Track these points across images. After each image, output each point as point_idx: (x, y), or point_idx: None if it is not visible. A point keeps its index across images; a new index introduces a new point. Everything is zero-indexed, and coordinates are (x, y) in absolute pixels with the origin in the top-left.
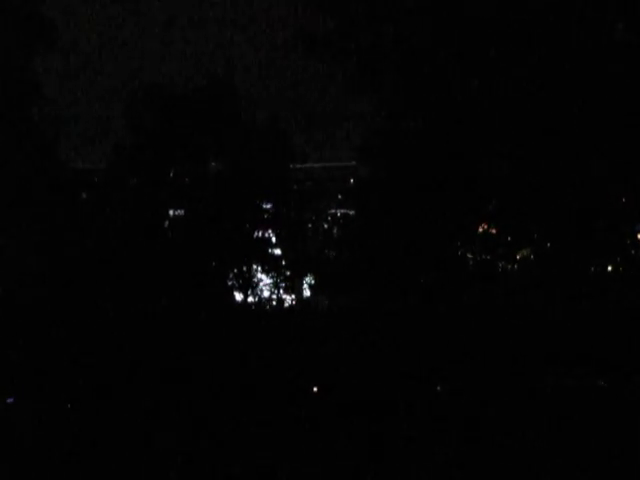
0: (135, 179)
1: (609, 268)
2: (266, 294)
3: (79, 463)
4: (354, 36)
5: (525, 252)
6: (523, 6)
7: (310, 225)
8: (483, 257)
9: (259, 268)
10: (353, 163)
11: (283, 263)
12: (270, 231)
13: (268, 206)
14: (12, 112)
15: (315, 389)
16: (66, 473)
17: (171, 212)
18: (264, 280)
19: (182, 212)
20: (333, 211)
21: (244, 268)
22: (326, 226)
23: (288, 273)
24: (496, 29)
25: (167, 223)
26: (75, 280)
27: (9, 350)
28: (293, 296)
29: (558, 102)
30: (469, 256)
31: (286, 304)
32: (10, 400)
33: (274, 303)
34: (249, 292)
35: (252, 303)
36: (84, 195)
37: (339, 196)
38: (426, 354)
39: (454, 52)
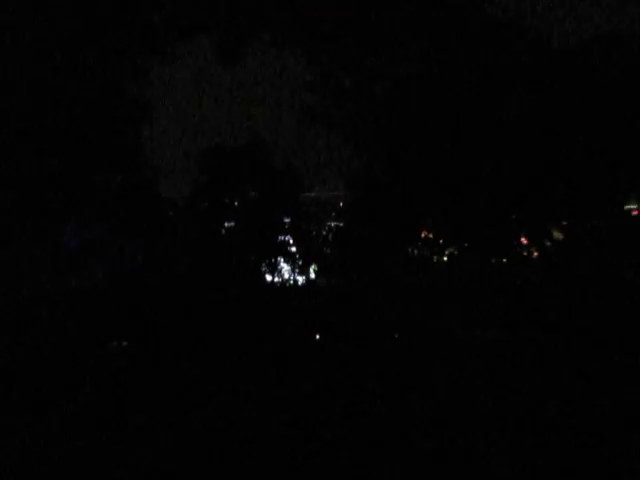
0: (204, 203)
1: (504, 260)
2: (286, 276)
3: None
4: (340, 113)
5: (451, 249)
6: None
7: (314, 232)
8: (424, 253)
9: (282, 260)
10: (342, 193)
11: (297, 257)
12: (288, 236)
13: (287, 220)
14: (128, 163)
15: (317, 336)
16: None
17: (226, 224)
18: (285, 267)
19: (232, 224)
20: (329, 223)
21: (272, 260)
22: (324, 233)
23: (300, 263)
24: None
25: (223, 231)
26: (167, 267)
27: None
28: (304, 277)
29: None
30: (415, 252)
31: (299, 283)
32: (125, 343)
33: (292, 282)
34: (275, 275)
35: (277, 282)
36: (171, 213)
37: (333, 214)
38: (382, 315)
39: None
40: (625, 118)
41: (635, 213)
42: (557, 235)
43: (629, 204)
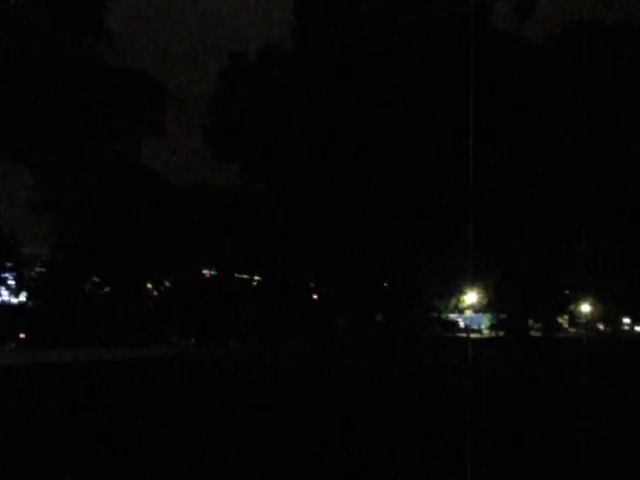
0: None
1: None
2: (5, 298)
3: None
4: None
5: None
6: None
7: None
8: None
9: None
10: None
11: (14, 287)
12: (9, 274)
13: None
14: None
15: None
16: None
17: None
18: (4, 293)
19: None
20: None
21: None
22: (32, 274)
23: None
24: None
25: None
26: None
27: None
28: (17, 300)
29: None
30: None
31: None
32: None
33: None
34: None
35: None
36: None
37: (39, 263)
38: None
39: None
40: None
41: (208, 275)
42: (167, 284)
43: (204, 269)
